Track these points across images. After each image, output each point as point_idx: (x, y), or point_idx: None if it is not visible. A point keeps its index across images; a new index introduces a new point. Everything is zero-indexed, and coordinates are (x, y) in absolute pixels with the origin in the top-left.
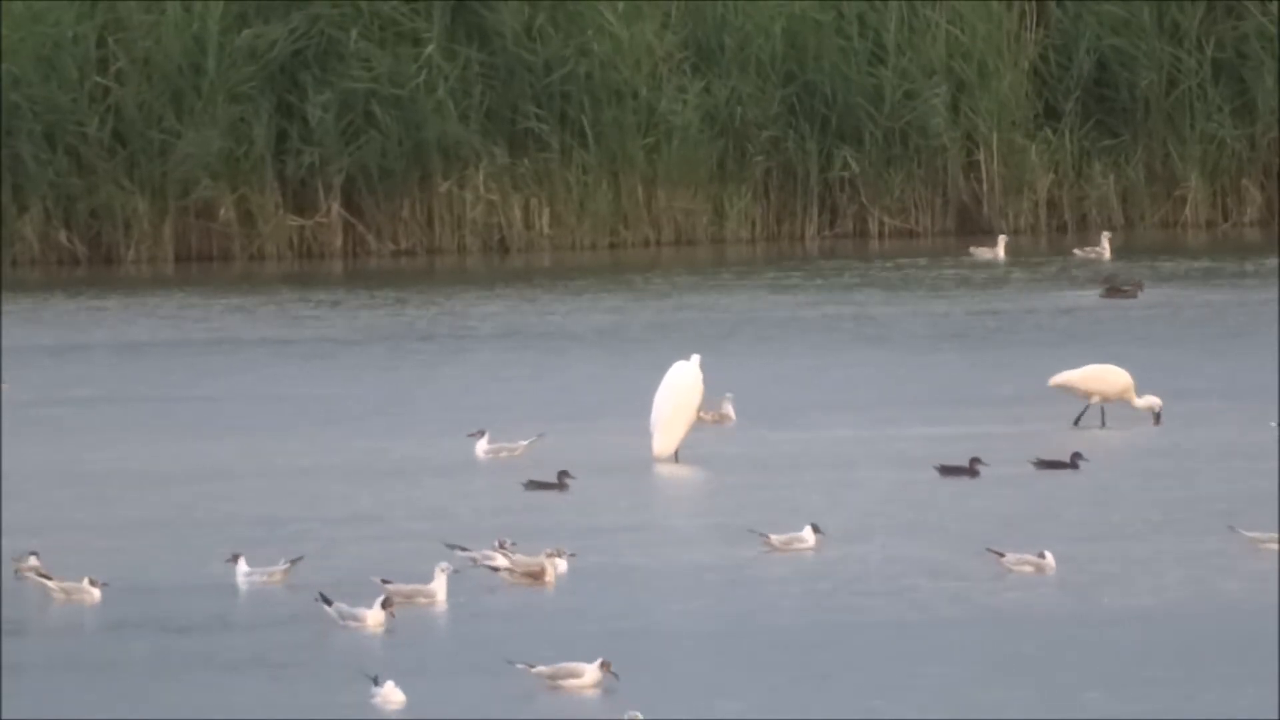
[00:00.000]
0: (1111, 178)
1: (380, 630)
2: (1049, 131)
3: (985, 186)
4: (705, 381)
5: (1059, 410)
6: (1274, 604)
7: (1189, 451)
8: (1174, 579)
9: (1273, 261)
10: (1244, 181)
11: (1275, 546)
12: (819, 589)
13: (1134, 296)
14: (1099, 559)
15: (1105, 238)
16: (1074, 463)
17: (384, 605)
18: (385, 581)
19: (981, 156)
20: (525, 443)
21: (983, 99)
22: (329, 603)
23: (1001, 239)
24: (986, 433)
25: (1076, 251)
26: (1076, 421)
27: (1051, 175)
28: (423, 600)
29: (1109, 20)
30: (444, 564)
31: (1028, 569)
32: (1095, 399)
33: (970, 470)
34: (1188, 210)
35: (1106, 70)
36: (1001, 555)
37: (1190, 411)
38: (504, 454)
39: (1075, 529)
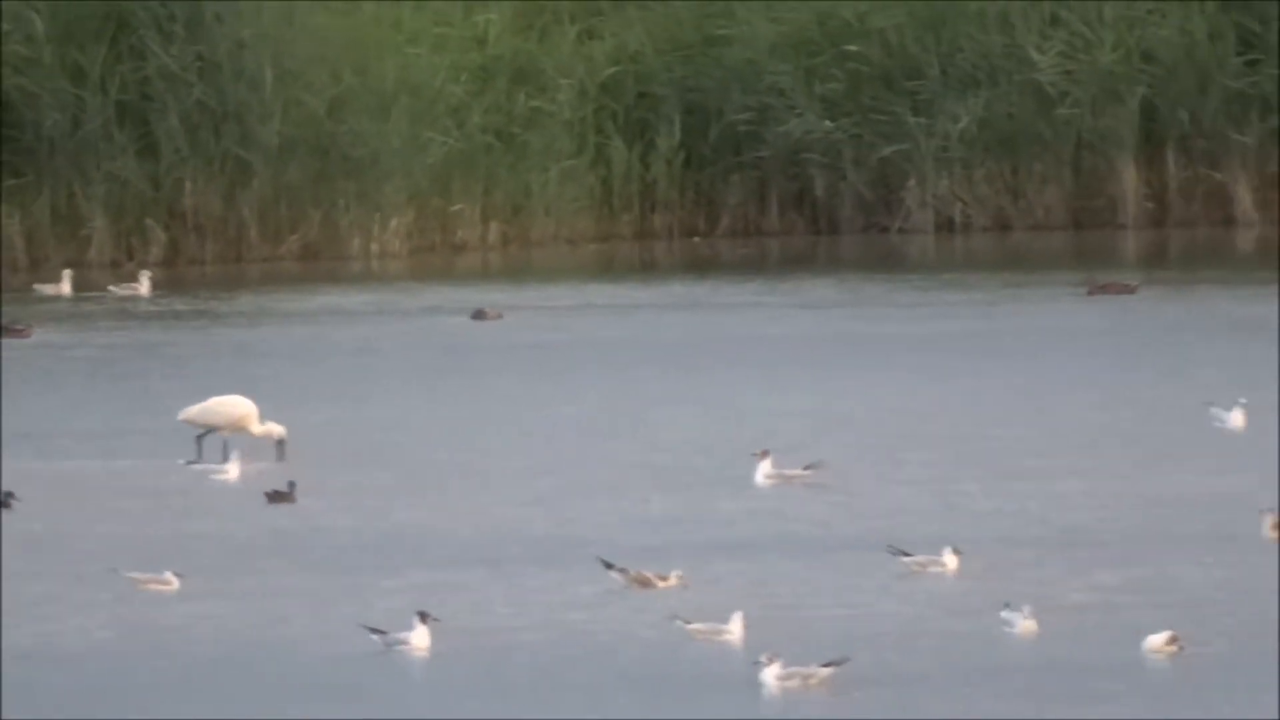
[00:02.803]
0: (17, 217)
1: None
2: None
3: None
4: None
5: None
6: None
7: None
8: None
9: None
10: (147, 221)
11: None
12: None
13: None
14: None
15: (145, 275)
16: (6, 502)
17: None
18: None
19: None
20: None
21: None
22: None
23: (145, 275)
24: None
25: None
26: (199, 443)
27: None
28: None
29: (12, 59)
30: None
31: None
32: (220, 430)
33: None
34: (93, 251)
35: (12, 110)
36: None
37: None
38: None
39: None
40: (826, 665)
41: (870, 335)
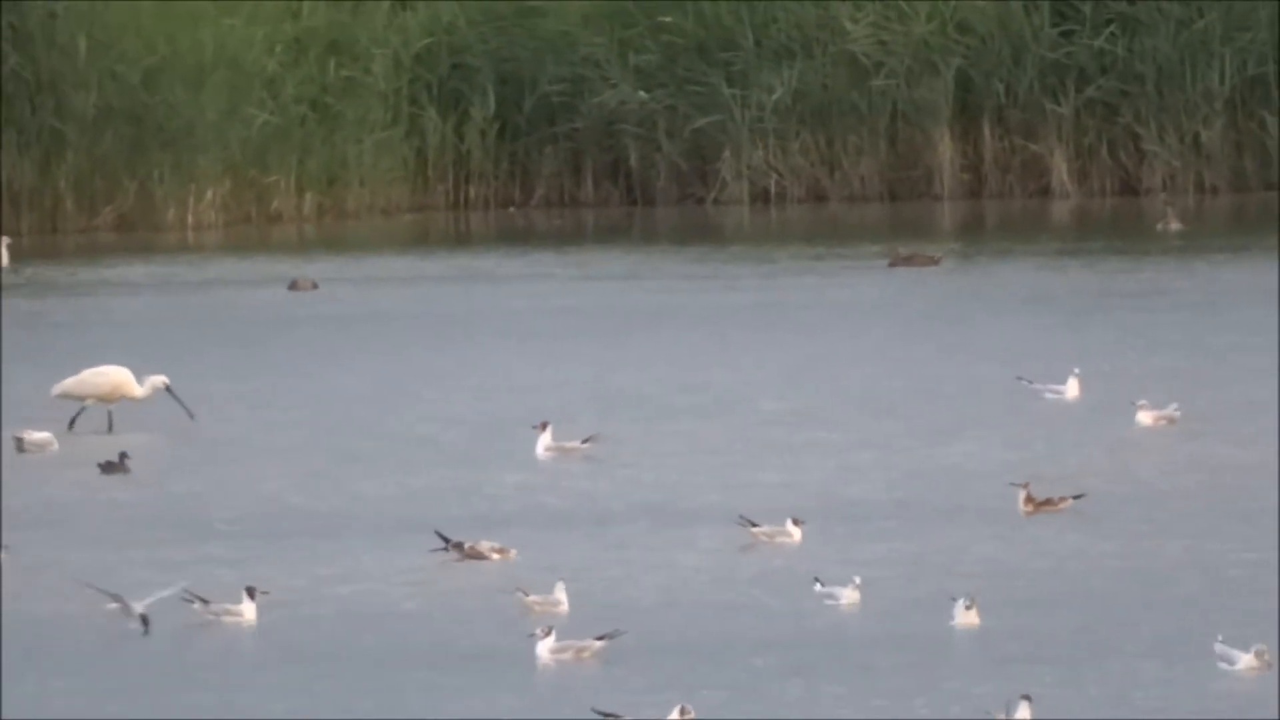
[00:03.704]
0: None
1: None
2: None
3: None
4: None
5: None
6: None
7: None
8: None
9: None
10: None
11: None
12: None
13: None
14: None
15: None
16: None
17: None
18: None
19: None
20: None
21: None
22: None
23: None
24: None
25: None
26: (71, 426)
27: None
28: None
29: None
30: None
31: None
32: (98, 401)
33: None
34: None
35: None
36: None
37: None
38: None
39: None
40: (600, 638)
41: (660, 307)
